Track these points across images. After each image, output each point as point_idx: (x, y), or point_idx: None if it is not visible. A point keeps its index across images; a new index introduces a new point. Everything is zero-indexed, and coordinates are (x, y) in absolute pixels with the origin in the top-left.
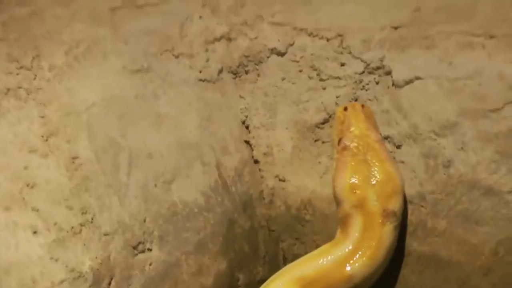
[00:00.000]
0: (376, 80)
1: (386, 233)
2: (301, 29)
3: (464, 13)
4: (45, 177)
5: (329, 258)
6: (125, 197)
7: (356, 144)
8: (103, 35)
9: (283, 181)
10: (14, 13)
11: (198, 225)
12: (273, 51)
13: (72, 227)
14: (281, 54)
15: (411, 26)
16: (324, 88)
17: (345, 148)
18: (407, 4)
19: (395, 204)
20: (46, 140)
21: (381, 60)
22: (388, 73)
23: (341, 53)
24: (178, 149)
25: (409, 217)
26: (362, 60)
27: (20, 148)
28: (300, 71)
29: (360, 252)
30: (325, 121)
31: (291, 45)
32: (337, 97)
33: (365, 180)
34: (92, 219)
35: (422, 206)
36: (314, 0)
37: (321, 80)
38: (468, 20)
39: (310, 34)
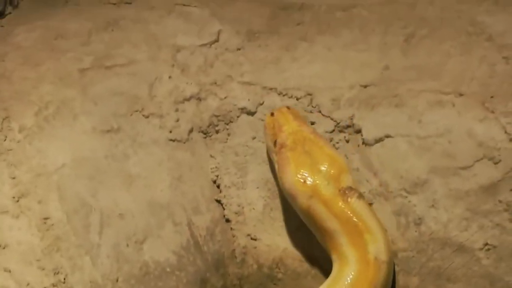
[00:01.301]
0: (346, 138)
1: (355, 206)
2: (271, 89)
3: (433, 71)
4: (16, 238)
5: (352, 272)
6: (97, 257)
7: (292, 140)
8: (72, 96)
9: (255, 240)
10: None
11: (171, 285)
12: (243, 110)
13: None
14: (251, 114)
15: (380, 85)
16: None
17: (283, 146)
18: (375, 63)
19: (346, 181)
20: (17, 201)
21: (351, 118)
22: (358, 131)
23: (311, 112)
24: (149, 209)
25: None
26: (332, 119)
27: None
28: None
29: (358, 236)
30: None
31: (261, 104)
32: None
33: (311, 169)
34: (64, 279)
35: (394, 264)
36: (282, 60)
37: None
38: (437, 79)
39: (279, 93)
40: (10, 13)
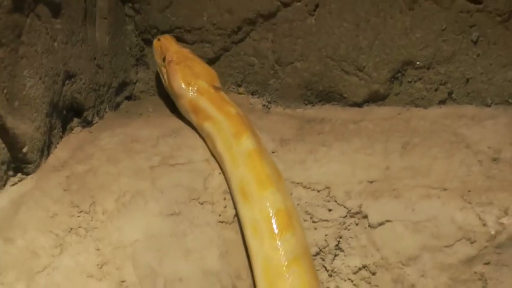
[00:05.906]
0: (356, 222)
1: (223, 94)
2: (298, 183)
3: (423, 171)
4: None
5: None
6: None
7: (176, 57)
8: (144, 187)
9: None
10: (75, 170)
11: None
12: None
13: None
14: None
15: (382, 181)
16: (315, 228)
17: (171, 61)
18: (379, 164)
19: (217, 83)
20: (101, 267)
21: (360, 207)
22: (365, 217)
23: (329, 201)
24: (203, 275)
25: None
26: (345, 207)
27: (80, 274)
28: None
29: (223, 105)
30: (316, 254)
31: (290, 195)
32: (325, 235)
33: (192, 76)
34: None
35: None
36: (307, 161)
37: (313, 222)
38: (427, 177)
39: (304, 187)
40: (97, 122)
